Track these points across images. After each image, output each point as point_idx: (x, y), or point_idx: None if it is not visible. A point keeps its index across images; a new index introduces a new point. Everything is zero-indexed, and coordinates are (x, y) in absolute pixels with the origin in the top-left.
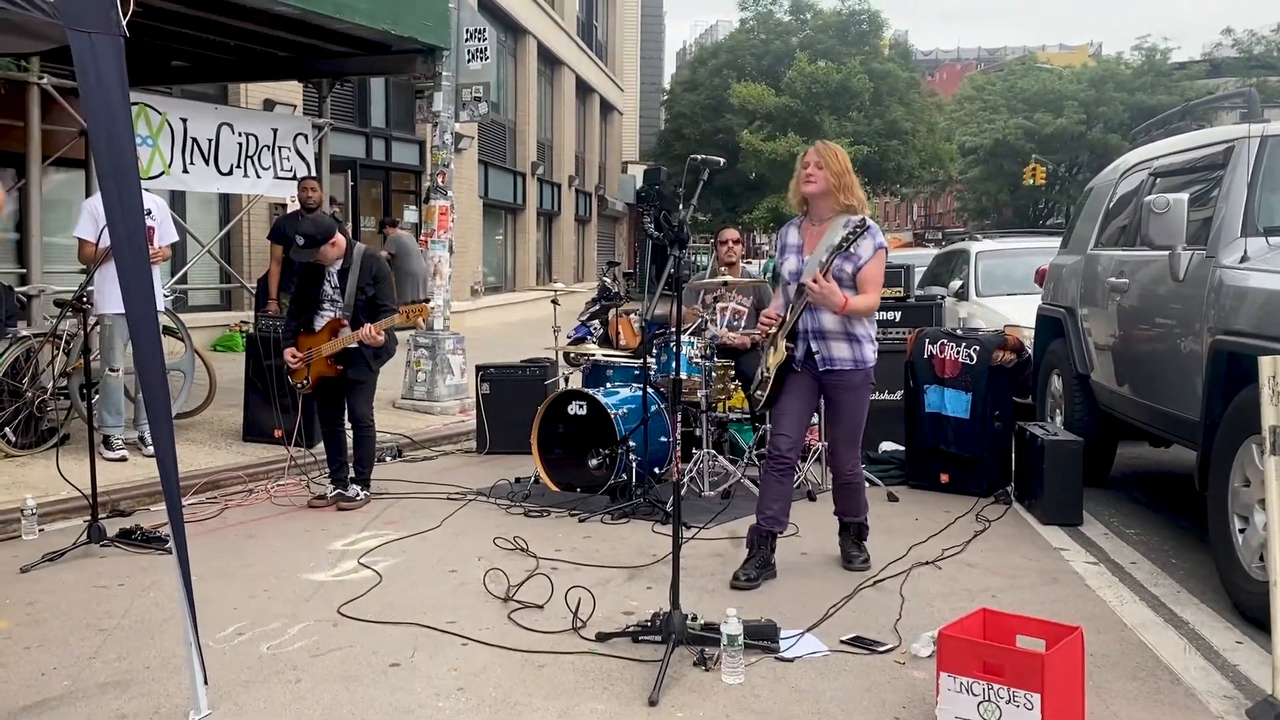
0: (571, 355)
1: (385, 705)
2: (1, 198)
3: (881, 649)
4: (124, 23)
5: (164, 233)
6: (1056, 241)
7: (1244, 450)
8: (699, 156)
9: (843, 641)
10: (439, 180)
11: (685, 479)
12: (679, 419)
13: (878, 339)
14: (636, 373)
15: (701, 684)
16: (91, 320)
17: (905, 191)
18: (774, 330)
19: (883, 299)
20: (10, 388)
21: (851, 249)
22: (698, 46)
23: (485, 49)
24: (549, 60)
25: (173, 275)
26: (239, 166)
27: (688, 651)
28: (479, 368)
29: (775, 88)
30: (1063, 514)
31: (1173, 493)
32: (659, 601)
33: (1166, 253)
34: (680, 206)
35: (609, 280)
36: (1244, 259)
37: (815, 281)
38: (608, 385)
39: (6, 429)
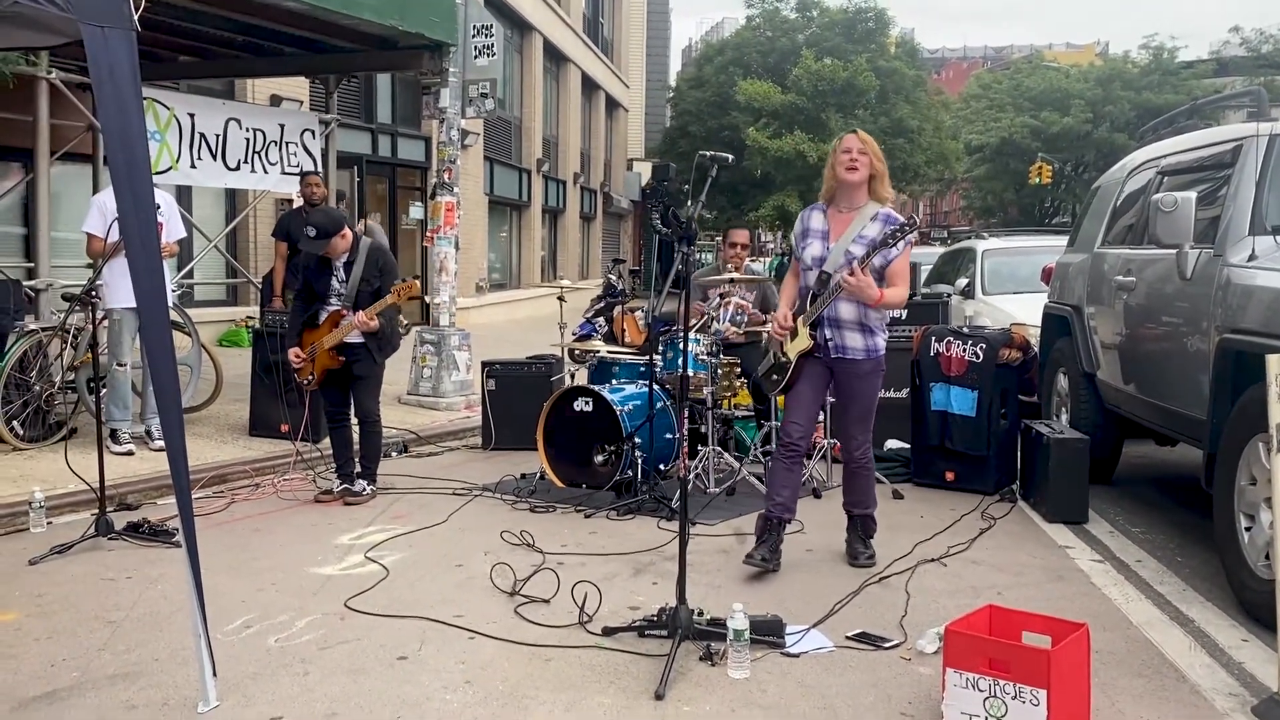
0: (577, 352)
1: (392, 698)
2: None
3: (887, 645)
4: (135, 17)
5: (172, 229)
6: (1063, 240)
7: (1250, 448)
8: (707, 153)
9: (848, 637)
10: (445, 176)
11: (691, 476)
12: (685, 415)
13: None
14: (642, 369)
15: (707, 678)
16: (100, 314)
17: (911, 189)
18: (794, 317)
19: None
20: (18, 381)
21: (879, 242)
22: (704, 44)
23: (492, 45)
24: (555, 57)
25: (179, 270)
26: (246, 162)
27: (694, 646)
28: (485, 364)
29: (781, 85)
30: (1068, 512)
31: (1179, 491)
32: (665, 596)
33: (1174, 251)
34: (688, 203)
35: (614, 277)
36: (1252, 257)
37: (853, 275)
38: (613, 382)
39: (14, 422)
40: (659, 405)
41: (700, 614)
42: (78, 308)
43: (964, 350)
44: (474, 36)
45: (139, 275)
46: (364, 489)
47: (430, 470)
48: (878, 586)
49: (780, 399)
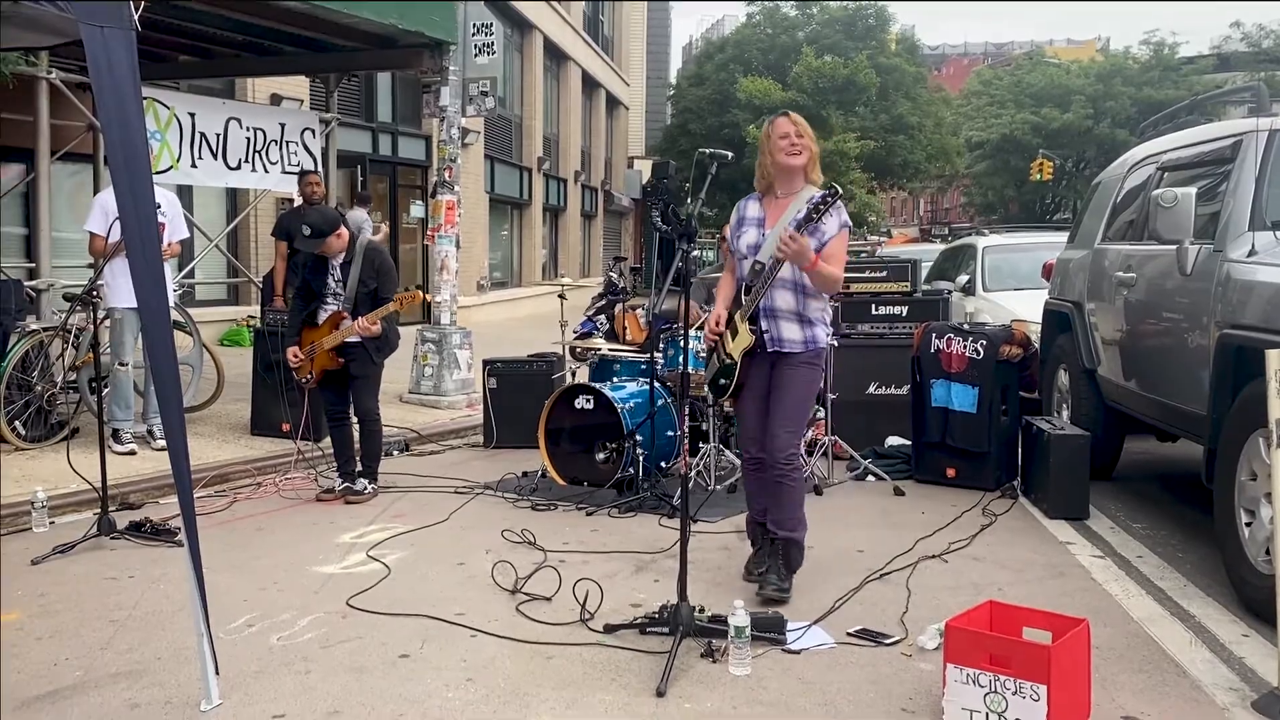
0: (578, 350)
1: (395, 695)
2: None
3: (888, 641)
4: (135, 16)
5: (175, 229)
6: (1063, 236)
7: (1250, 444)
8: (707, 151)
9: (849, 634)
10: (445, 175)
11: (692, 473)
12: (686, 413)
13: (884, 333)
14: (644, 367)
15: (709, 675)
16: (101, 314)
17: (912, 186)
18: (732, 312)
19: (890, 294)
20: (20, 381)
21: (820, 222)
22: (704, 41)
23: (492, 43)
24: (555, 55)
25: (181, 270)
26: (247, 161)
27: (695, 643)
28: (486, 362)
29: (782, 82)
30: (1069, 508)
31: (1180, 487)
32: (666, 594)
33: (1174, 247)
34: (688, 201)
35: (615, 275)
36: (1251, 253)
37: (790, 238)
38: (615, 380)
39: (16, 422)
40: (660, 403)
41: (701, 611)
42: (79, 307)
43: (965, 347)
44: (474, 35)
45: (139, 275)
46: (365, 487)
47: (431, 469)
48: (879, 583)
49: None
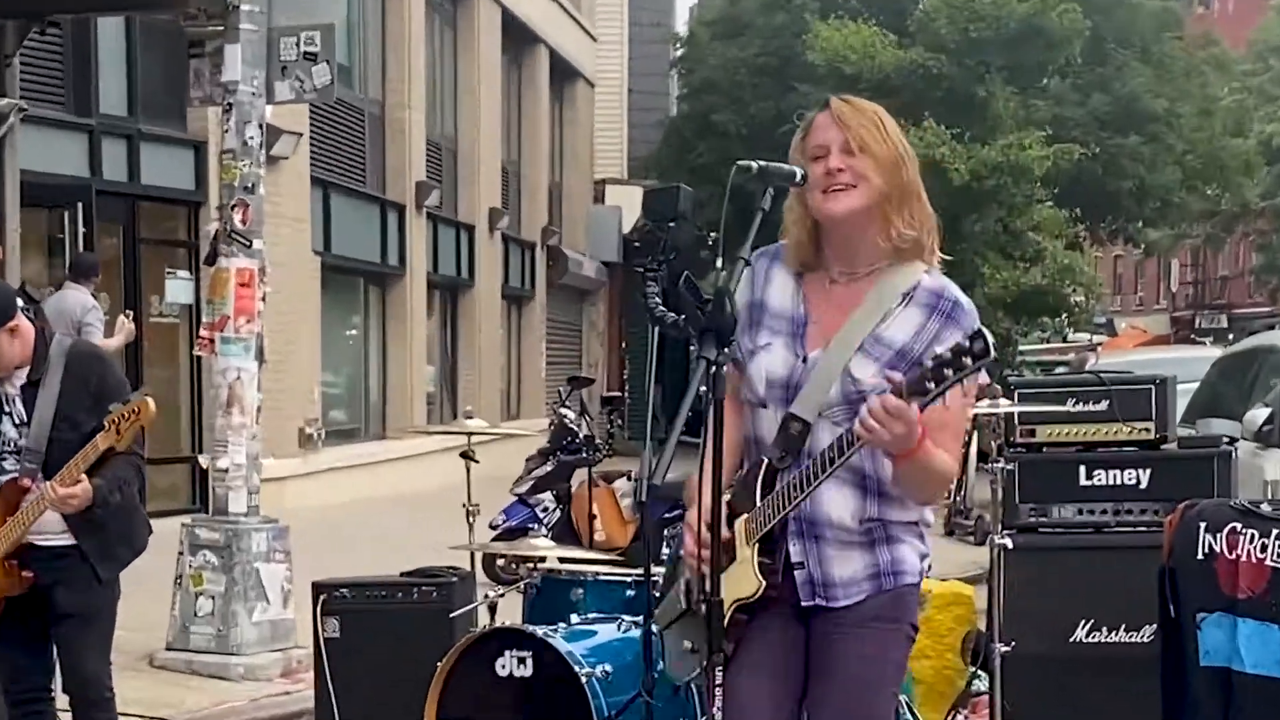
0: (501, 562)
1: None
2: None
3: None
4: None
5: None
6: None
7: None
8: (752, 164)
9: None
10: (236, 219)
11: None
12: (716, 681)
13: (1105, 522)
14: (630, 594)
15: None
16: None
17: (1154, 237)
18: (732, 509)
19: (1116, 445)
20: None
21: (915, 355)
22: None
23: None
24: None
25: None
26: None
27: None
28: (319, 587)
29: (896, 30)
30: None
31: None
32: None
33: None
34: (716, 264)
35: (571, 413)
36: None
37: (892, 412)
38: (574, 619)
39: None
40: (660, 667)
41: None
42: None
43: (1266, 549)
44: None
45: None
46: None
47: None
48: None
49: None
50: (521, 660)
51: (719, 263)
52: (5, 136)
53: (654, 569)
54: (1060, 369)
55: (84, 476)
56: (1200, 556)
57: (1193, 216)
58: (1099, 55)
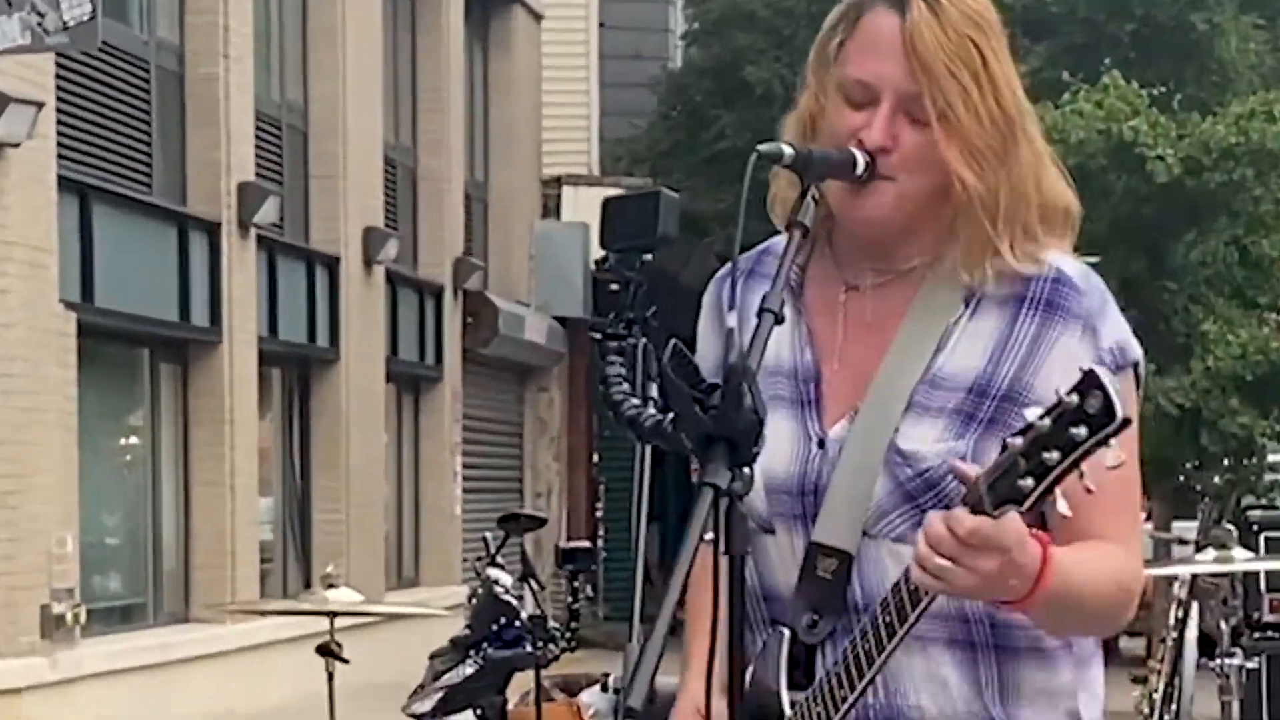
0: None
1: None
2: None
3: None
4: None
5: None
6: None
7: None
8: (783, 148)
9: None
10: None
11: None
12: None
13: None
14: None
15: None
16: None
17: None
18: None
19: None
20: None
21: (1003, 386)
22: None
23: None
24: None
25: None
26: None
27: None
28: None
29: None
30: None
31: None
32: None
33: None
34: (727, 314)
35: (507, 578)
36: None
37: (965, 538)
38: None
39: None
40: None
41: None
42: None
43: None
44: None
45: None
46: None
47: None
48: None
49: None
50: None
51: (732, 319)
52: None
53: None
54: None
55: None
56: None
57: None
58: None
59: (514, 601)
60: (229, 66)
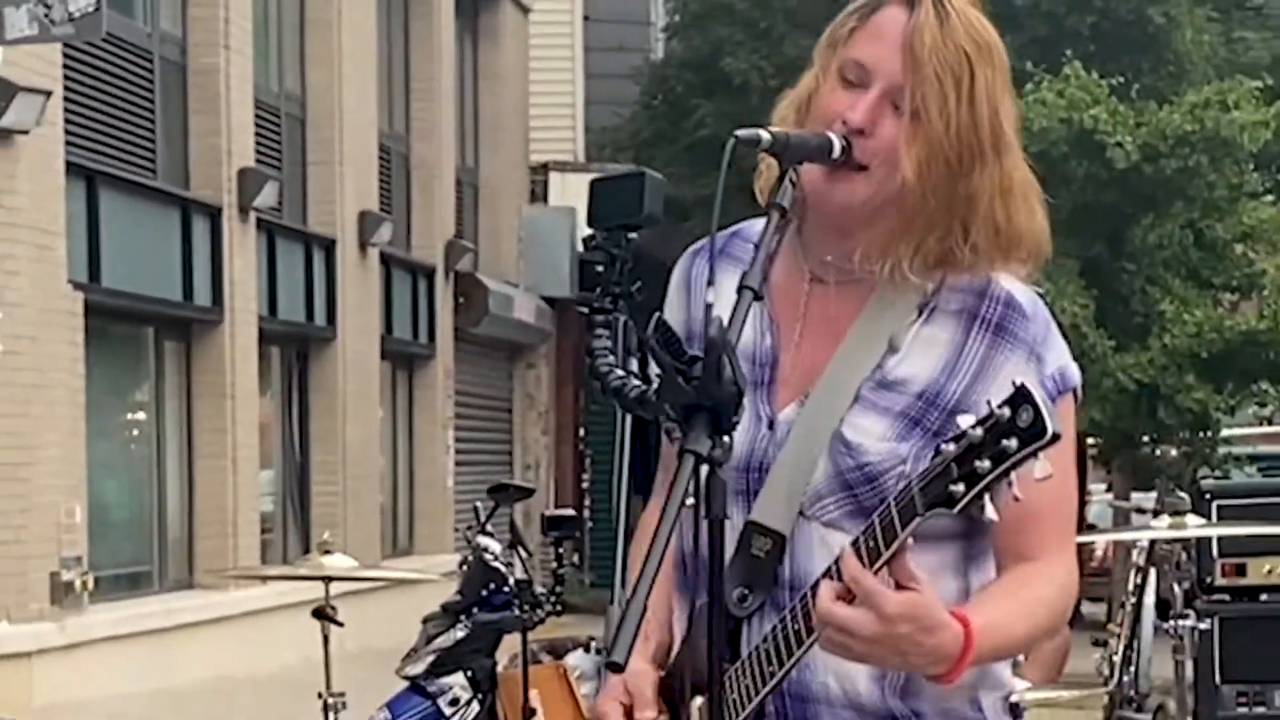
0: None
1: None
2: None
3: None
4: None
5: None
6: None
7: None
8: (760, 133)
9: None
10: None
11: None
12: None
13: None
14: None
15: None
16: None
17: None
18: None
19: None
20: None
21: (952, 399)
22: None
23: None
24: None
25: None
26: None
27: None
28: None
29: None
30: None
31: None
32: None
33: None
34: (706, 291)
35: (496, 545)
36: None
37: (856, 581)
38: None
39: None
40: None
41: None
42: None
43: None
44: None
45: None
46: None
47: None
48: None
49: None
50: None
51: (710, 294)
52: None
53: None
54: None
55: None
56: None
57: None
58: None
59: (503, 568)
60: (229, 57)
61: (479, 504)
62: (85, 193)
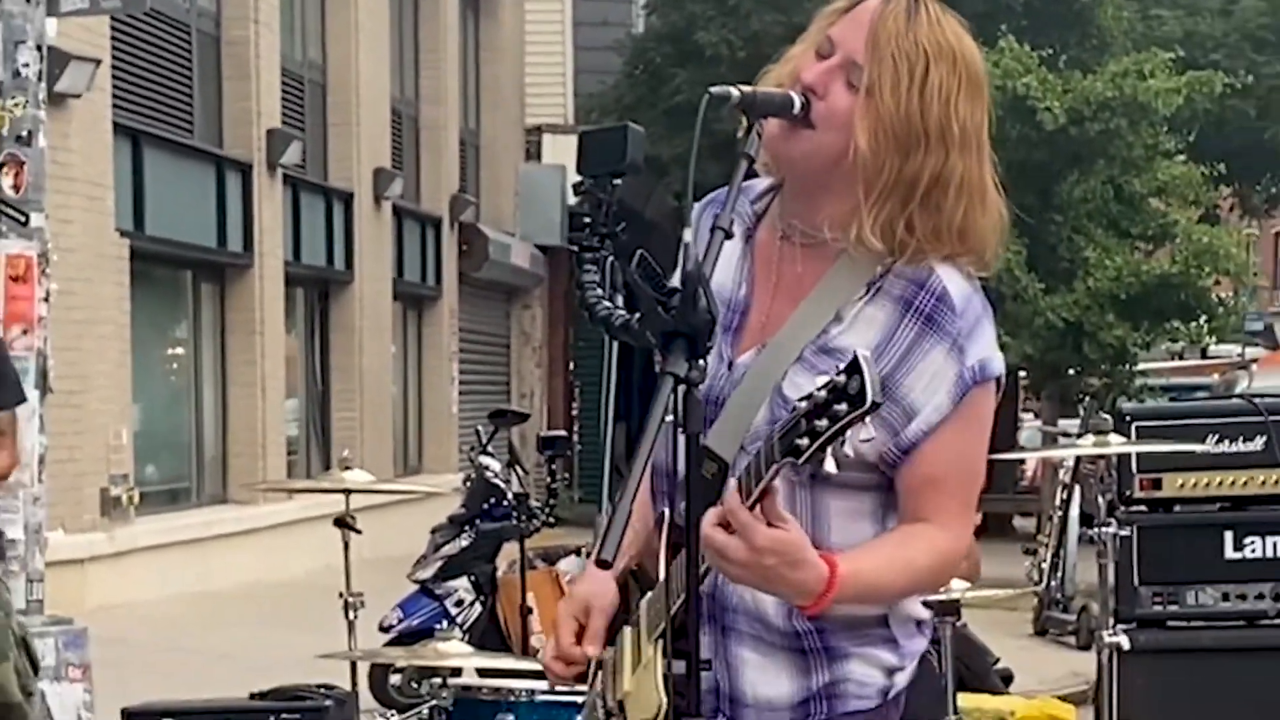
0: (398, 677)
1: None
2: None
3: None
4: None
5: None
6: None
7: None
8: (731, 90)
9: None
10: (4, 184)
11: None
12: None
13: (1258, 605)
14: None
15: None
16: None
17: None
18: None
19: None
20: None
21: (886, 381)
22: None
23: None
24: None
25: None
26: None
27: None
28: (132, 716)
29: None
30: None
31: None
32: None
33: None
34: (684, 230)
35: (496, 464)
36: None
37: (736, 514)
38: None
39: None
40: None
41: None
42: None
43: None
44: None
45: None
46: None
47: None
48: None
49: None
50: None
51: (688, 234)
52: None
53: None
54: (1198, 395)
55: None
56: None
57: None
58: None
59: (502, 484)
60: (259, 31)
61: (480, 427)
62: (131, 150)
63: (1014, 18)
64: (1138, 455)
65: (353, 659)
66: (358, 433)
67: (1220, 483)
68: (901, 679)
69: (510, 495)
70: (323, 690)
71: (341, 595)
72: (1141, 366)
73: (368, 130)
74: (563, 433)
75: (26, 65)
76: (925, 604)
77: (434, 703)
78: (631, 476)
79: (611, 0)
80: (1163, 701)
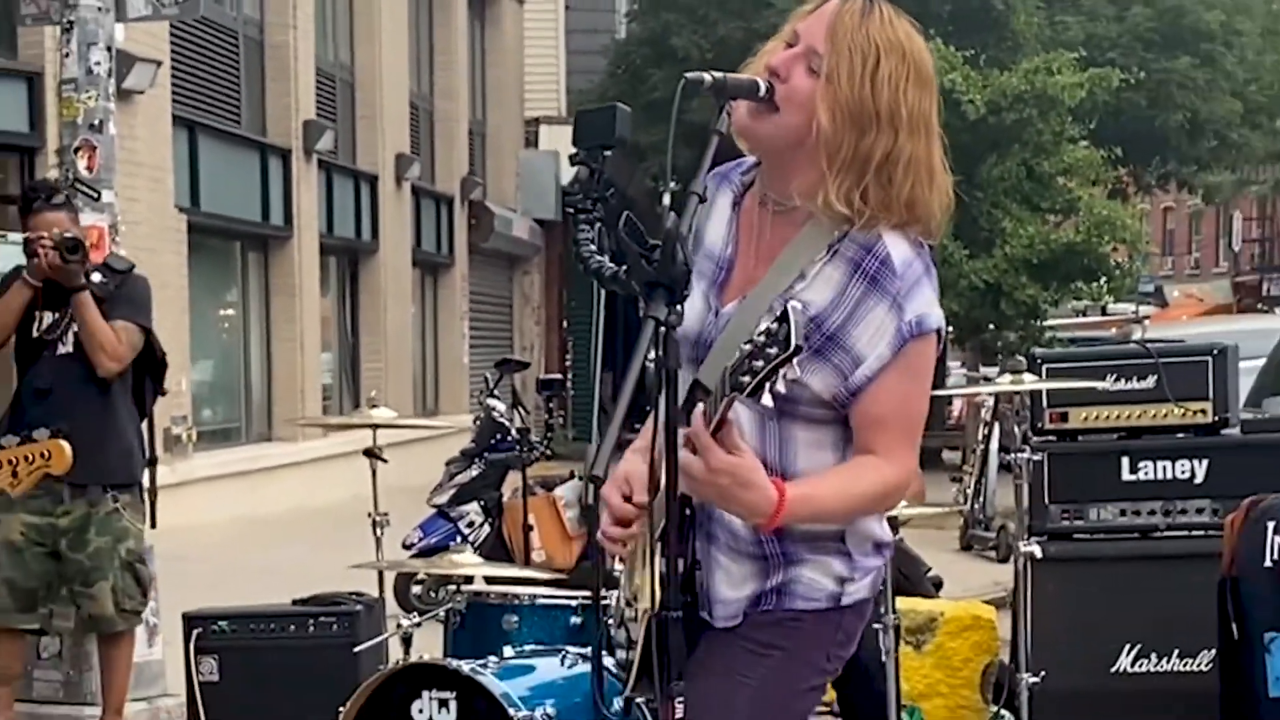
0: (419, 587)
1: None
2: None
3: None
4: None
5: None
6: None
7: None
8: (705, 76)
9: None
10: (80, 166)
11: None
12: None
13: (1154, 525)
14: (576, 620)
15: None
16: None
17: (1212, 182)
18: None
19: (1167, 430)
20: None
21: (832, 327)
22: None
23: None
24: None
25: None
26: None
27: None
28: (192, 620)
29: None
30: None
31: None
32: None
33: None
34: (662, 200)
35: (501, 405)
36: None
37: (703, 434)
38: (507, 652)
39: None
40: (618, 708)
41: None
42: None
43: None
44: None
45: None
46: None
47: None
48: None
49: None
50: (443, 703)
51: (666, 199)
52: None
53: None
54: (1104, 342)
55: None
56: (1269, 564)
57: (1258, 158)
58: None
59: (506, 422)
60: (296, 36)
61: (488, 374)
62: (188, 139)
63: (941, 23)
64: (1047, 392)
65: (380, 569)
66: (383, 381)
67: (1118, 415)
68: (853, 589)
69: (514, 431)
70: (354, 596)
71: (370, 515)
72: (1051, 322)
73: (390, 121)
74: (558, 376)
75: (98, 64)
76: None
77: (450, 606)
78: (618, 408)
79: (599, 11)
80: (1070, 604)
